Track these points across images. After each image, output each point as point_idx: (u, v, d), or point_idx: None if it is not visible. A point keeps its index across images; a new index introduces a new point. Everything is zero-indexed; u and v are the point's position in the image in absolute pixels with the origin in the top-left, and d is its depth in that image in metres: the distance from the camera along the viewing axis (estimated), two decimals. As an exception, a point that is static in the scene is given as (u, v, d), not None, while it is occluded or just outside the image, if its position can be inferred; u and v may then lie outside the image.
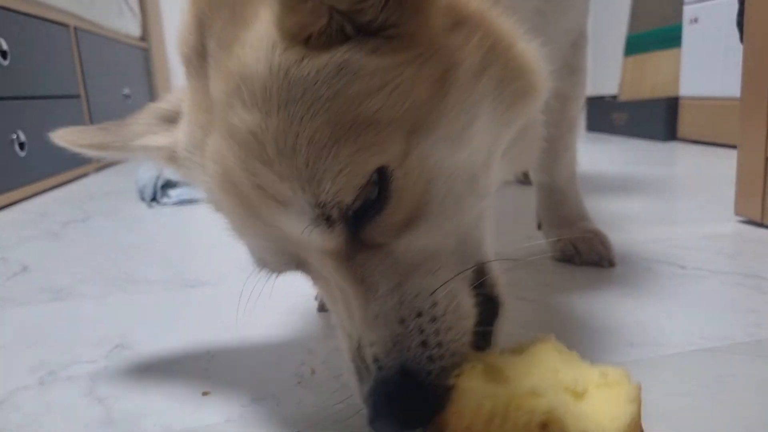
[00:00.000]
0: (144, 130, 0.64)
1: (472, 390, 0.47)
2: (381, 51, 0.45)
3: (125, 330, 0.86)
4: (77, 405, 0.66)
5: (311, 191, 0.44)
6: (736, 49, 1.29)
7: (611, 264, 1.01)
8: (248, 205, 0.48)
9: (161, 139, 0.62)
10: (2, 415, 0.65)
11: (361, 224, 0.47)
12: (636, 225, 1.30)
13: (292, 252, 0.51)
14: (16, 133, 2.07)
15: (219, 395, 0.66)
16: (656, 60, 3.09)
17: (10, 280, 1.16)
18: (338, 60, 0.44)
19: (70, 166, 2.54)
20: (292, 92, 0.43)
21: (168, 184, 2.00)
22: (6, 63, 2.04)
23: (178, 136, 0.58)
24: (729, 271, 0.97)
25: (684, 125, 2.81)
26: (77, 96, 2.74)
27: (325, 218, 0.45)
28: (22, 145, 2.10)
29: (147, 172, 2.07)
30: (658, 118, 2.89)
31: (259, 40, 0.45)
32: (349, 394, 0.63)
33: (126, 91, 3.47)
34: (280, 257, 0.52)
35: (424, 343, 0.47)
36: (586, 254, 1.02)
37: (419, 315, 0.48)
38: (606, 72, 3.48)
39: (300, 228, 0.46)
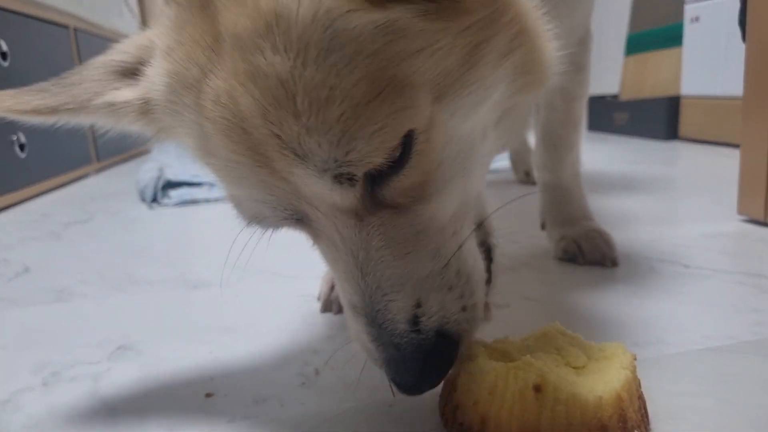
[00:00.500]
0: (101, 87, 0.57)
1: (477, 368, 0.51)
2: (427, 13, 0.45)
3: (128, 331, 0.86)
4: (80, 406, 0.66)
5: (342, 148, 0.42)
6: (738, 48, 1.29)
7: (614, 263, 1.01)
8: (258, 154, 0.45)
9: (127, 93, 0.56)
10: (5, 416, 0.64)
11: (379, 184, 0.47)
12: (639, 224, 1.30)
13: (296, 206, 0.49)
14: (16, 134, 2.07)
15: (222, 396, 0.66)
16: (657, 59, 3.09)
17: (12, 281, 1.16)
18: (388, 17, 0.43)
19: (70, 168, 2.54)
20: (334, 42, 0.42)
21: (169, 185, 2.00)
22: (6, 64, 2.04)
23: (153, 80, 0.52)
24: (732, 270, 0.97)
25: (685, 124, 2.81)
26: (78, 97, 2.73)
27: (348, 177, 0.44)
28: (22, 147, 2.10)
29: (148, 173, 2.07)
30: (660, 118, 2.89)
31: None
32: (354, 394, 0.63)
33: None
34: (282, 212, 0.50)
35: (464, 308, 0.51)
36: (589, 253, 1.02)
37: (459, 277, 0.50)
38: (607, 71, 3.47)
39: (319, 183, 0.45)
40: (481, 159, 0.56)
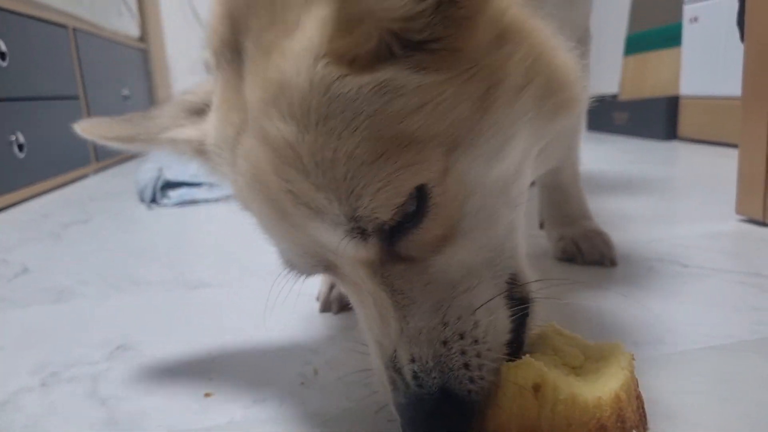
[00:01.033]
0: (171, 122, 0.64)
1: None
2: (424, 67, 0.45)
3: (127, 331, 0.86)
4: (80, 406, 0.66)
5: (348, 204, 0.44)
6: (737, 48, 1.30)
7: (613, 263, 1.01)
8: (278, 208, 0.48)
9: (189, 131, 0.61)
10: (5, 416, 0.64)
11: (397, 238, 0.47)
12: (638, 224, 1.30)
13: (321, 255, 0.51)
14: (15, 134, 2.07)
15: (222, 396, 0.66)
16: (656, 59, 3.09)
17: (11, 281, 1.16)
18: (381, 78, 0.44)
19: (69, 168, 2.54)
20: (332, 107, 0.43)
21: (168, 186, 2.00)
22: (5, 64, 2.04)
23: (208, 128, 0.57)
24: (731, 269, 0.97)
25: (684, 124, 2.81)
26: (76, 97, 2.74)
27: (360, 231, 0.46)
28: (21, 147, 2.10)
29: (147, 174, 2.07)
30: (659, 118, 2.89)
31: (300, 52, 0.44)
32: (353, 394, 0.63)
33: (125, 92, 3.46)
34: (309, 260, 0.52)
35: (466, 365, 0.48)
36: (588, 253, 1.02)
37: (462, 337, 0.48)
38: (607, 71, 3.48)
39: (333, 237, 0.46)
40: (515, 200, 0.53)
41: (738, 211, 1.27)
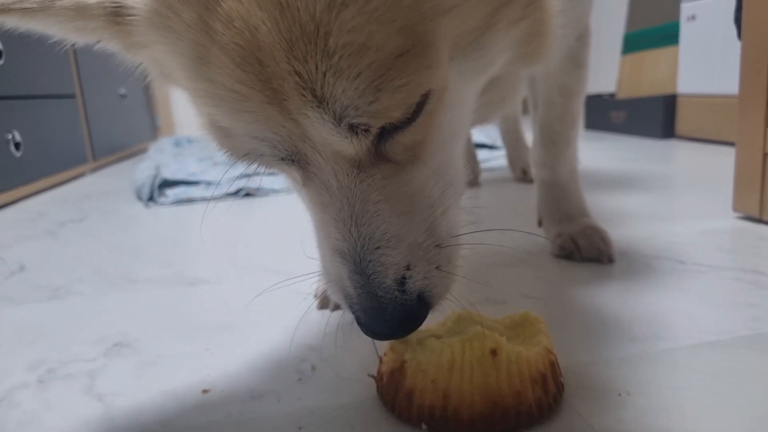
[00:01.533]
0: None
1: (429, 349, 0.55)
2: None
3: (124, 328, 0.86)
4: (76, 403, 0.66)
5: (366, 98, 0.41)
6: (734, 47, 1.30)
7: (611, 260, 1.01)
8: (269, 89, 0.42)
9: None
10: (1, 413, 0.64)
11: (383, 136, 0.46)
12: (635, 221, 1.30)
13: (297, 148, 0.47)
14: (11, 133, 2.07)
15: (219, 392, 0.66)
16: (654, 58, 3.09)
17: (7, 279, 1.15)
18: None
19: (66, 166, 2.53)
20: None
21: (165, 184, 2.00)
22: (1, 62, 2.03)
23: None
24: (728, 266, 0.97)
25: (682, 123, 2.81)
26: (72, 96, 2.73)
27: (365, 127, 0.43)
28: (17, 145, 2.10)
29: (144, 172, 2.07)
30: (656, 116, 2.89)
31: None
32: (350, 389, 0.63)
33: (122, 90, 3.46)
34: (280, 151, 0.48)
35: (444, 285, 0.53)
36: (586, 250, 1.02)
37: (449, 261, 0.52)
38: (604, 70, 3.48)
39: (332, 130, 0.43)
40: (467, 128, 0.56)
41: (735, 209, 1.27)
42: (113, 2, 0.48)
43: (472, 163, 1.90)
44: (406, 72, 0.41)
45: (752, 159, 1.21)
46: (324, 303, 0.87)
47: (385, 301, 0.49)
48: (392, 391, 0.57)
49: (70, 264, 1.24)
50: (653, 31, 3.12)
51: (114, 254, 1.31)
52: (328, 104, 0.42)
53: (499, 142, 2.12)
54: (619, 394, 0.59)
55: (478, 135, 2.46)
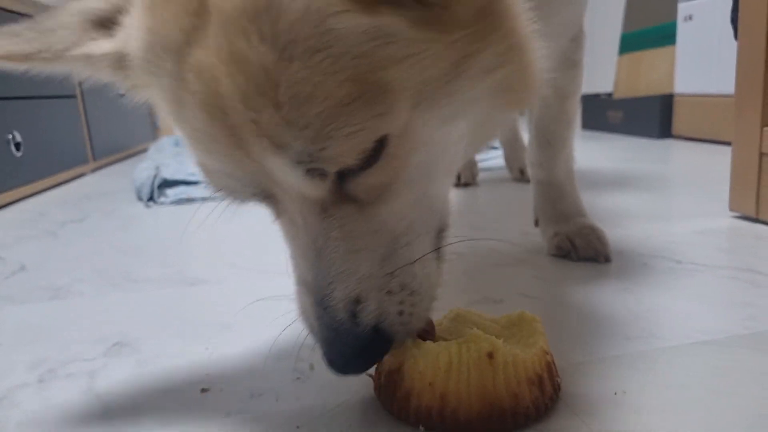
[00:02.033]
0: (78, 36, 0.55)
1: (426, 351, 0.55)
2: (419, 22, 0.45)
3: (124, 328, 0.86)
4: (76, 402, 0.66)
5: (317, 145, 0.43)
6: (731, 46, 1.30)
7: (607, 259, 1.01)
8: (233, 134, 0.45)
9: (104, 44, 0.54)
10: (1, 412, 0.65)
11: (345, 178, 0.48)
12: (632, 221, 1.31)
13: (264, 186, 0.50)
14: (11, 133, 2.07)
15: (218, 391, 0.66)
16: (651, 58, 3.10)
17: (8, 279, 1.16)
18: (379, 22, 0.43)
19: (66, 167, 2.54)
20: (322, 41, 0.41)
21: (165, 184, 2.00)
22: (1, 63, 2.03)
23: (131, 33, 0.51)
24: (724, 265, 0.97)
25: (679, 122, 2.82)
26: (73, 96, 2.73)
27: (320, 172, 0.45)
28: (17, 146, 2.10)
29: (144, 172, 2.07)
30: (653, 116, 2.90)
31: None
32: (349, 389, 0.64)
33: (122, 90, 3.46)
34: (250, 188, 0.51)
35: (401, 312, 0.53)
36: (582, 250, 1.02)
37: (402, 288, 0.53)
38: (601, 70, 3.48)
39: (291, 174, 0.45)
40: (449, 167, 0.57)
41: (731, 208, 1.28)
42: (115, 51, 0.53)
43: (470, 163, 1.91)
44: (356, 119, 0.43)
45: (748, 158, 1.21)
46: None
47: (339, 332, 0.51)
48: (390, 392, 0.58)
49: (71, 264, 1.24)
50: (650, 31, 3.13)
51: (114, 254, 1.31)
52: (284, 150, 0.44)
53: (496, 142, 2.12)
54: (616, 393, 0.60)
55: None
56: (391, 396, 0.58)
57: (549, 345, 0.61)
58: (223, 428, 0.59)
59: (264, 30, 0.41)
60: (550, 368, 0.58)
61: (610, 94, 3.39)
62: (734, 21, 1.26)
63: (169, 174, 2.05)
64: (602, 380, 0.63)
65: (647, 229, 1.22)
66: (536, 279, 0.97)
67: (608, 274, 0.97)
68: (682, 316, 0.78)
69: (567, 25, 0.94)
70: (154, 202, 1.90)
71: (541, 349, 0.57)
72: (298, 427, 0.58)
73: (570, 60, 1.00)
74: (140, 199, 1.94)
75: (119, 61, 0.53)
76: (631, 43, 3.26)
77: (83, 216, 1.77)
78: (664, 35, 2.95)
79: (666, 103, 2.85)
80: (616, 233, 1.16)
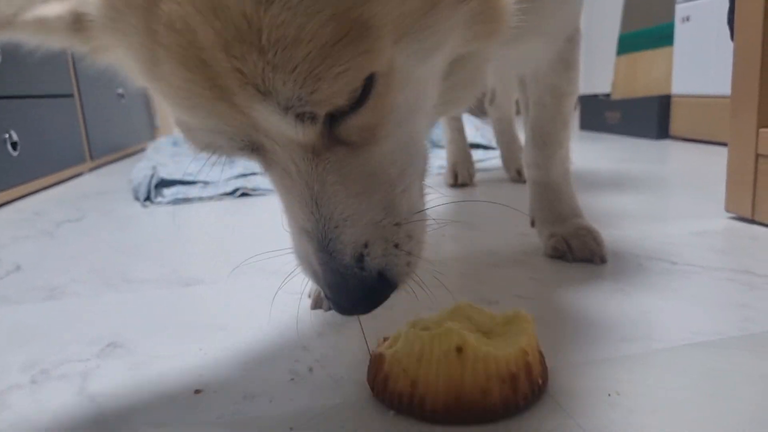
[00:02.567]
0: (28, 1, 0.52)
1: (404, 340, 0.58)
2: None
3: (118, 328, 0.86)
4: (69, 403, 0.66)
5: (306, 88, 0.42)
6: (728, 48, 1.30)
7: (603, 260, 1.01)
8: (216, 86, 0.44)
9: (57, 6, 0.51)
10: (-6, 413, 0.65)
11: (335, 121, 0.48)
12: (628, 222, 1.31)
13: (252, 138, 0.49)
14: (8, 132, 2.07)
15: (211, 393, 0.66)
16: (649, 59, 3.10)
17: (3, 279, 1.15)
18: None
19: (63, 166, 2.53)
20: None
21: (162, 184, 2.00)
22: (-2, 61, 2.03)
23: None
24: (720, 266, 0.97)
25: (676, 123, 2.82)
26: (70, 95, 2.73)
27: (310, 115, 0.45)
28: (14, 145, 2.09)
29: (141, 172, 2.07)
30: (651, 117, 2.90)
31: None
32: (343, 391, 0.64)
33: (120, 90, 3.46)
34: (238, 142, 0.50)
35: (408, 263, 0.55)
36: (578, 251, 1.02)
37: (410, 238, 0.54)
38: (599, 71, 3.49)
39: (280, 120, 0.45)
40: (430, 109, 0.57)
41: (727, 209, 1.28)
42: (71, 12, 0.50)
43: (468, 163, 1.91)
44: (343, 59, 0.42)
45: (745, 159, 1.21)
46: (317, 303, 0.87)
47: (346, 276, 0.51)
48: (373, 374, 0.61)
49: (67, 264, 1.24)
50: (648, 32, 3.13)
51: (111, 254, 1.31)
52: (272, 97, 0.43)
53: (494, 142, 2.13)
54: (609, 395, 0.60)
55: (474, 135, 2.46)
56: (373, 378, 0.61)
57: (538, 345, 0.61)
58: (216, 430, 0.59)
59: None
60: (529, 368, 0.58)
61: (607, 95, 3.39)
62: (730, 22, 1.26)
63: (166, 174, 2.04)
64: (596, 381, 0.63)
65: (643, 230, 1.22)
66: (532, 280, 0.96)
67: (604, 275, 0.96)
68: (678, 317, 0.78)
69: (563, 25, 0.94)
70: (151, 201, 1.89)
71: (521, 348, 0.58)
72: (291, 428, 0.58)
73: (566, 60, 1.00)
74: (137, 198, 1.94)
75: (76, 23, 0.50)
76: (628, 43, 3.26)
77: (80, 216, 1.77)
78: (662, 36, 2.95)
79: (664, 104, 2.85)
80: (612, 234, 1.16)
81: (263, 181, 1.88)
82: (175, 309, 0.95)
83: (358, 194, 0.51)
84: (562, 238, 1.04)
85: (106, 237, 1.50)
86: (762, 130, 1.17)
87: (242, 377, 0.69)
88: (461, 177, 1.87)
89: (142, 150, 3.58)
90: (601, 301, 0.85)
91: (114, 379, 0.71)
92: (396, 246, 0.53)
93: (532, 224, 1.15)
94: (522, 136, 1.31)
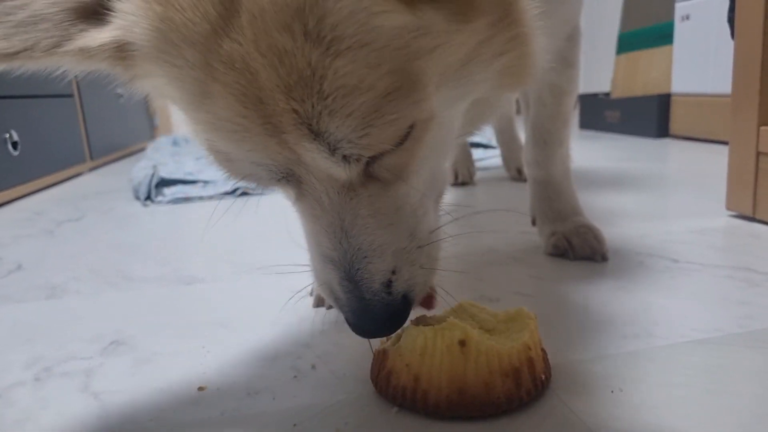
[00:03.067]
0: (65, 29, 0.50)
1: (407, 335, 0.59)
2: (450, 14, 0.48)
3: (120, 326, 0.86)
4: (72, 400, 0.66)
5: (358, 132, 0.45)
6: (728, 46, 1.30)
7: (604, 258, 1.01)
8: (269, 124, 0.46)
9: (100, 35, 0.50)
10: (-2, 411, 0.65)
11: (373, 161, 0.51)
12: (629, 220, 1.31)
13: (291, 170, 0.52)
14: (9, 132, 2.07)
15: (215, 390, 0.66)
16: (648, 57, 3.10)
17: (5, 278, 1.16)
18: (419, 17, 0.46)
19: (64, 166, 2.53)
20: (367, 38, 0.44)
21: (162, 183, 2.00)
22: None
23: (134, 21, 0.48)
24: (720, 264, 0.98)
25: (676, 122, 2.82)
26: (70, 95, 2.73)
27: (357, 157, 0.48)
28: (15, 145, 2.10)
29: (142, 171, 2.07)
30: (651, 115, 2.91)
31: None
32: (345, 387, 0.64)
33: (120, 89, 3.45)
34: (276, 174, 0.52)
35: (425, 282, 0.58)
36: (579, 249, 1.02)
37: (429, 259, 0.58)
38: (599, 70, 3.49)
39: (327, 159, 0.48)
40: (452, 142, 0.61)
41: (728, 207, 1.28)
42: (114, 41, 0.50)
43: (468, 162, 1.91)
44: (395, 109, 0.46)
45: (745, 158, 1.22)
46: (319, 301, 0.87)
47: (372, 302, 0.54)
48: (377, 370, 0.62)
49: (68, 263, 1.24)
50: (647, 31, 3.13)
51: (111, 253, 1.31)
52: (323, 137, 0.46)
53: (494, 141, 2.13)
54: (612, 391, 0.60)
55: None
56: (377, 374, 0.61)
57: (541, 342, 0.62)
58: (220, 427, 0.59)
59: (308, 27, 0.43)
60: (532, 364, 0.58)
61: (607, 94, 3.39)
62: (731, 20, 1.26)
63: (166, 173, 2.05)
64: (598, 378, 0.63)
65: (644, 228, 1.22)
66: (533, 278, 0.97)
67: (605, 273, 0.97)
68: (679, 314, 0.78)
69: (563, 24, 0.94)
70: (152, 201, 1.89)
71: (524, 343, 0.58)
72: (294, 425, 0.58)
73: (566, 59, 1.00)
74: (137, 198, 1.94)
75: (119, 52, 0.50)
76: (628, 42, 3.27)
77: (80, 215, 1.77)
78: (662, 35, 2.96)
79: (663, 103, 2.86)
80: (613, 232, 1.16)
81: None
82: (176, 307, 0.95)
83: (387, 226, 0.54)
84: (563, 236, 1.04)
85: (107, 236, 1.50)
86: (763, 128, 1.17)
87: (245, 374, 0.69)
88: (461, 176, 1.88)
89: (142, 149, 3.59)
90: (603, 298, 0.85)
91: (117, 376, 0.71)
92: (421, 267, 0.57)
93: (533, 222, 1.16)
94: (522, 135, 1.31)
